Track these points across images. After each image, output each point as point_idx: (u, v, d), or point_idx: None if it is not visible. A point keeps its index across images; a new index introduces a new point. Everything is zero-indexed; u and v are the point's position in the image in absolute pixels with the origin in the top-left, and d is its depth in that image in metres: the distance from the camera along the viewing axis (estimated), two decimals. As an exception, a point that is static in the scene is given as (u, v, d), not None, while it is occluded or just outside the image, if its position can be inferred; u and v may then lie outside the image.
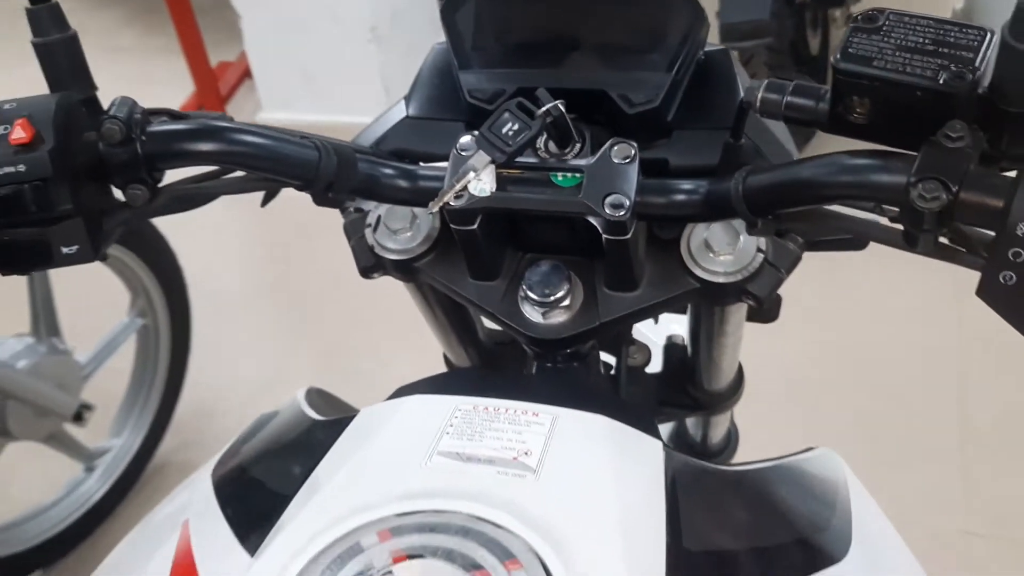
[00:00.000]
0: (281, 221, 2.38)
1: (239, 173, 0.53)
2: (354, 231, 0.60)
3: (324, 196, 0.53)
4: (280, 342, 2.05)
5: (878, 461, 1.62)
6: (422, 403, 0.49)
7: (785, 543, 0.45)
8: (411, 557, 0.37)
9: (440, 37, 0.61)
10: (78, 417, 1.49)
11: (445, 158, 0.51)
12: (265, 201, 0.59)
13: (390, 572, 0.37)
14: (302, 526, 0.40)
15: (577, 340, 0.55)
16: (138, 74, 2.94)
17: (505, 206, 0.50)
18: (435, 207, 0.50)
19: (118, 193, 0.51)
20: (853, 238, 0.61)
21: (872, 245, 0.51)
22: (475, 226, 0.52)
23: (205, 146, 0.49)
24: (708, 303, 0.60)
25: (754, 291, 0.53)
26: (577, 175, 0.50)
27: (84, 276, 1.53)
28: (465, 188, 0.50)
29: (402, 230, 0.57)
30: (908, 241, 0.42)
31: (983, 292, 0.39)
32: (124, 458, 1.67)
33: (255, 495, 0.48)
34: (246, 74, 2.82)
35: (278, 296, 2.17)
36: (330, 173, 0.52)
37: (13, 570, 1.53)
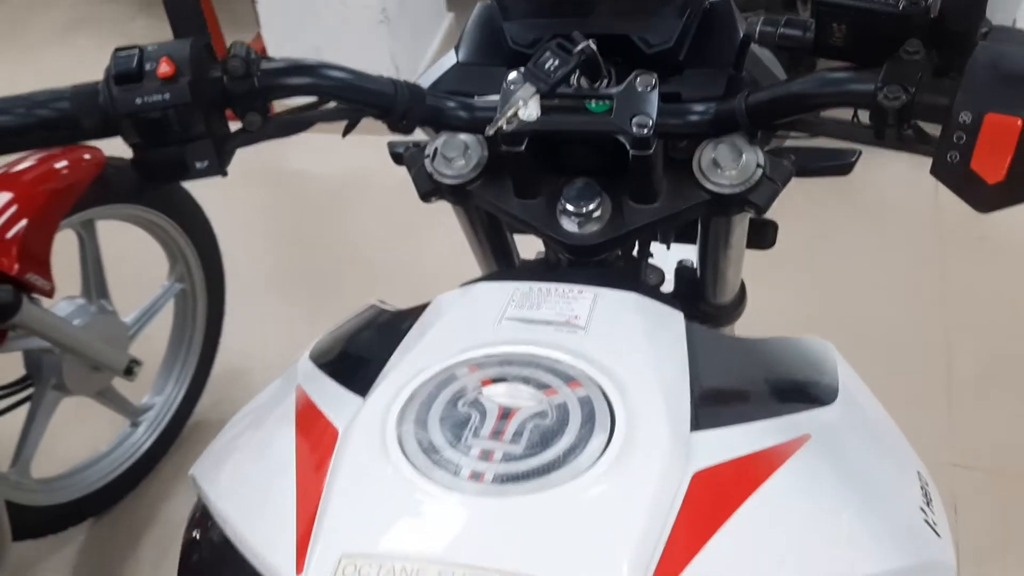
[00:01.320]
0: (303, 200, 2.50)
1: (331, 105, 0.64)
2: (413, 162, 0.71)
3: (398, 124, 0.64)
4: (302, 310, 2.15)
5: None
6: (487, 287, 0.60)
7: (781, 388, 0.56)
8: (495, 381, 0.49)
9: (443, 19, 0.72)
10: (128, 371, 1.60)
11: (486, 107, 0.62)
12: (346, 131, 0.70)
13: (479, 392, 0.48)
14: (404, 369, 0.51)
15: (607, 247, 0.66)
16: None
17: (549, 128, 0.61)
18: (491, 131, 0.61)
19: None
20: (838, 164, 0.72)
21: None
22: (523, 147, 0.62)
23: (308, 79, 0.60)
24: (716, 214, 0.71)
25: (755, 200, 0.64)
26: (608, 101, 0.61)
27: (128, 244, 1.64)
28: (515, 114, 0.60)
29: (456, 158, 0.68)
30: (877, 136, 0.53)
31: (935, 170, 0.50)
32: (166, 414, 1.79)
33: (353, 363, 0.59)
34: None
35: (299, 269, 2.27)
36: (403, 105, 0.63)
37: (71, 515, 1.65)
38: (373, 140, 2.82)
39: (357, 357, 0.60)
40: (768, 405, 0.53)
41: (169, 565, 1.66)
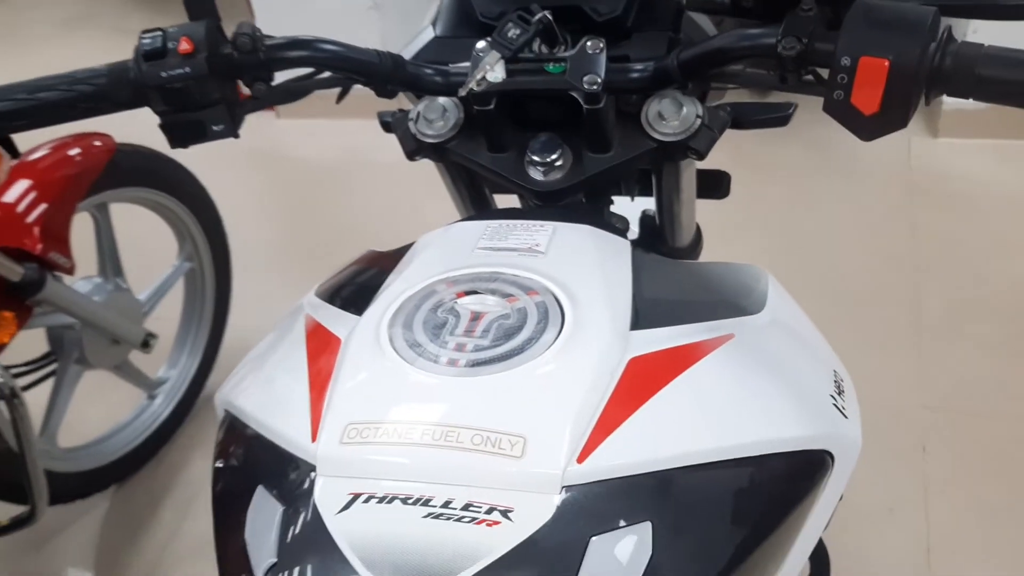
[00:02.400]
0: (300, 182, 2.60)
1: (325, 75, 0.74)
2: (399, 125, 0.80)
3: (383, 90, 0.74)
4: (303, 285, 2.25)
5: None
6: (464, 225, 0.70)
7: (713, 300, 0.67)
8: (468, 294, 0.59)
9: (431, 4, 0.82)
10: (145, 344, 1.70)
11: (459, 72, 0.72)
12: (340, 98, 0.80)
13: (455, 302, 0.58)
14: (393, 290, 0.62)
15: (569, 192, 0.76)
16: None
17: (513, 88, 0.71)
18: (464, 91, 0.70)
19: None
20: (775, 116, 0.82)
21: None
22: (491, 106, 0.72)
23: (305, 52, 0.70)
24: (663, 160, 0.81)
25: (695, 146, 0.74)
26: (563, 64, 0.71)
27: (139, 227, 1.74)
28: (484, 77, 0.70)
29: (436, 120, 0.78)
30: (781, 80, 0.63)
31: (826, 107, 0.60)
32: (181, 386, 1.90)
33: (351, 292, 0.69)
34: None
35: (299, 246, 2.37)
36: (387, 73, 0.72)
37: (97, 482, 1.76)
38: (361, 124, 2.96)
39: (355, 288, 0.70)
40: (699, 312, 0.63)
41: (189, 526, 1.77)
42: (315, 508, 0.49)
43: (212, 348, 1.95)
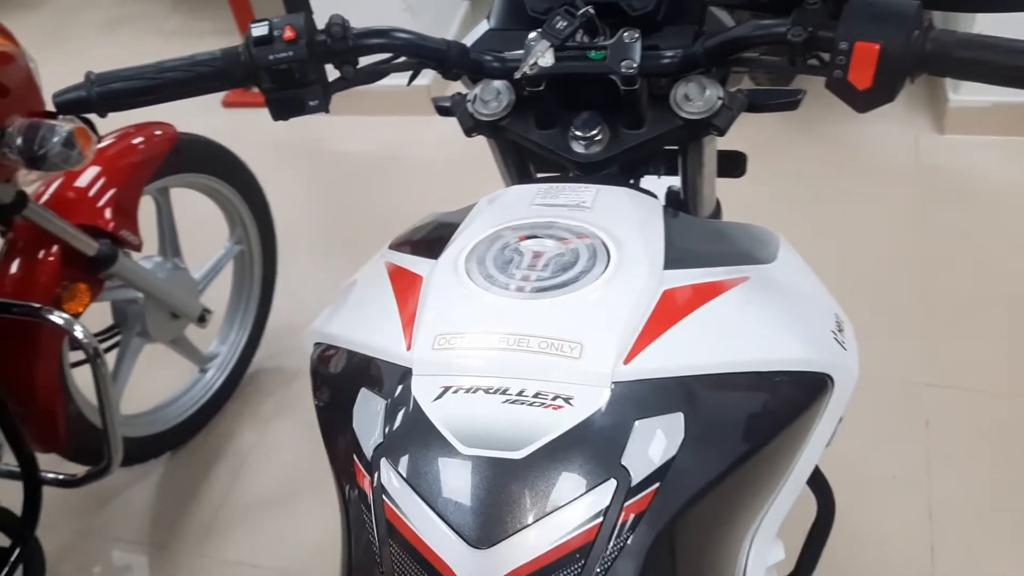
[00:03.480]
0: (340, 175, 2.72)
1: (400, 59, 0.86)
2: (458, 106, 0.93)
3: (449, 73, 0.86)
4: (342, 270, 2.37)
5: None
6: (519, 187, 0.83)
7: (731, 251, 0.78)
8: (528, 238, 0.71)
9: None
10: (201, 318, 1.84)
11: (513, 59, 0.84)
12: (410, 80, 0.92)
13: (518, 244, 0.71)
14: (465, 236, 0.74)
15: (608, 163, 0.88)
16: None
17: (560, 71, 0.83)
18: (518, 75, 0.83)
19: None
20: (786, 101, 0.94)
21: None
22: (542, 87, 0.85)
23: (386, 40, 0.82)
24: (689, 136, 0.93)
25: (717, 123, 0.85)
26: (603, 51, 0.83)
27: (196, 211, 1.87)
28: (536, 63, 0.83)
29: (491, 101, 0.90)
30: (790, 63, 0.75)
31: (827, 85, 0.72)
32: (230, 361, 2.03)
33: (424, 243, 0.81)
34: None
35: (338, 234, 2.49)
36: (453, 58, 0.85)
37: (154, 447, 1.89)
38: (398, 120, 3.13)
39: (427, 240, 0.82)
40: (720, 258, 0.75)
41: (240, 490, 1.90)
42: (414, 399, 0.62)
43: (259, 326, 2.08)
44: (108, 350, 1.79)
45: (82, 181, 1.57)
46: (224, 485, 1.91)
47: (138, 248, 1.63)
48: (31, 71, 1.34)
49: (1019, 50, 0.66)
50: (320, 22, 0.82)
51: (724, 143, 1.08)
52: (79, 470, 1.62)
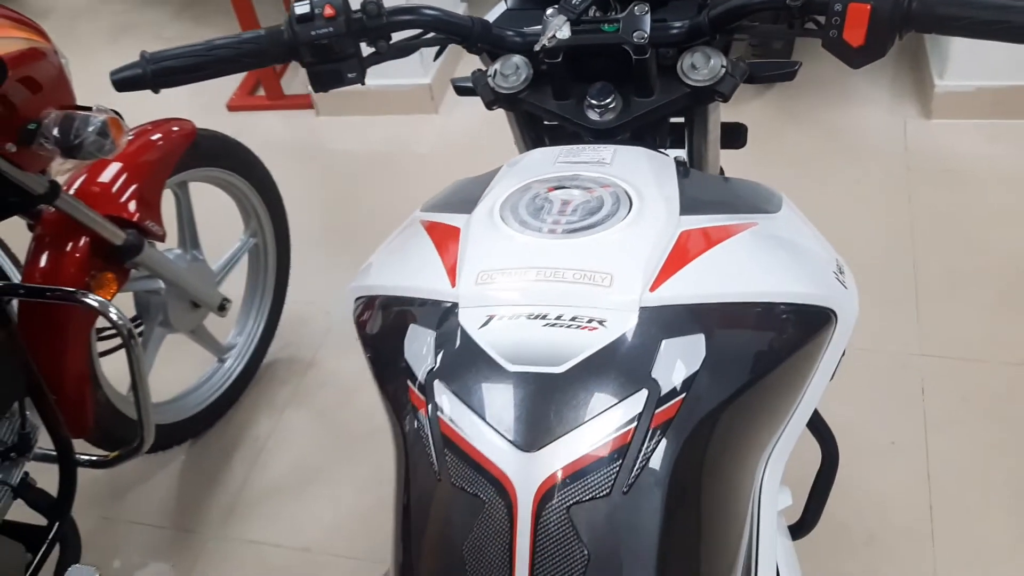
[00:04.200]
0: (346, 172, 2.79)
1: (429, 35, 0.93)
2: (479, 81, 0.99)
3: (474, 47, 0.93)
4: (351, 264, 2.44)
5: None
6: (541, 150, 0.89)
7: (740, 202, 0.85)
8: (556, 188, 0.78)
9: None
10: (221, 307, 1.90)
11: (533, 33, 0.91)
12: (437, 55, 0.99)
13: (548, 195, 0.77)
14: (497, 191, 0.80)
15: (621, 129, 0.95)
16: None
17: (577, 43, 0.90)
18: (538, 47, 0.89)
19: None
20: (783, 72, 1.01)
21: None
22: (559, 59, 0.91)
23: (416, 17, 0.89)
24: (695, 102, 0.99)
25: (721, 90, 0.92)
26: (616, 24, 0.90)
27: (210, 208, 1.93)
28: (554, 36, 0.89)
29: (511, 75, 0.97)
30: (789, 27, 0.82)
31: (824, 44, 0.79)
32: (247, 351, 2.09)
33: (455, 202, 0.87)
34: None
35: (346, 230, 2.55)
36: (478, 34, 0.92)
37: (176, 435, 1.95)
38: (392, 119, 3.20)
39: (458, 199, 0.88)
40: (730, 207, 0.82)
41: (258, 476, 1.96)
42: (461, 328, 0.68)
43: (274, 317, 2.14)
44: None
45: (106, 175, 1.63)
46: (243, 471, 1.97)
47: (162, 238, 1.69)
48: (63, 67, 1.41)
49: (994, 5, 0.73)
50: (354, 3, 0.89)
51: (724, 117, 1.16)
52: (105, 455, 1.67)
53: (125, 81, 0.90)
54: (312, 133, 2.95)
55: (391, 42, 0.91)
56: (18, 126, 1.32)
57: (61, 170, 1.40)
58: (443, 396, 0.66)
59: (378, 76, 2.85)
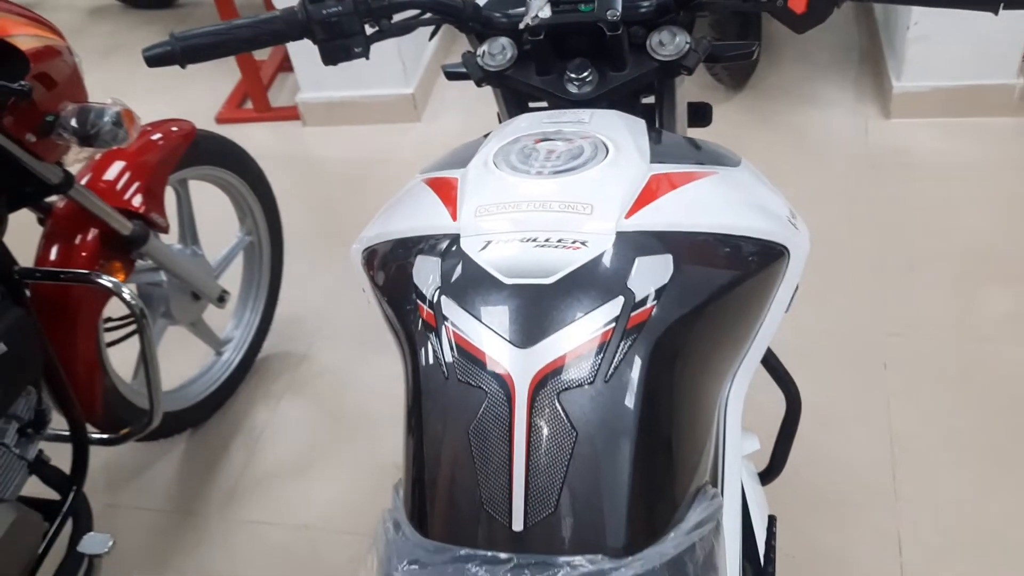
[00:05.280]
0: (333, 179, 2.89)
1: (426, 16, 1.04)
2: (469, 61, 1.10)
3: (465, 26, 1.04)
4: (339, 265, 2.53)
5: (811, 289, 2.15)
6: (527, 115, 1.00)
7: (704, 156, 0.96)
8: (543, 140, 0.89)
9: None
10: (220, 299, 1.99)
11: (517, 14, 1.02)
12: (432, 35, 1.10)
13: (535, 145, 0.88)
14: (490, 146, 0.91)
15: (598, 100, 1.06)
16: (184, 75, 3.44)
17: (557, 22, 1.01)
18: (522, 25, 1.01)
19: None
20: (742, 52, 1.13)
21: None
22: (541, 37, 1.03)
23: None
24: (663, 76, 1.10)
25: (686, 64, 1.04)
26: (591, 4, 1.01)
27: (207, 207, 2.03)
28: (537, 15, 1.01)
29: (497, 55, 1.08)
30: (743, 1, 0.94)
31: (772, 13, 0.91)
32: (243, 345, 2.18)
33: (453, 161, 0.98)
34: (279, 68, 3.34)
35: (335, 232, 2.65)
36: (468, 14, 1.03)
37: (177, 423, 2.03)
38: (374, 129, 3.34)
39: (453, 159, 0.99)
40: (694, 159, 0.93)
41: (257, 462, 2.04)
42: (463, 252, 0.79)
43: (269, 311, 2.24)
44: (133, 333, 1.94)
45: (113, 171, 1.73)
46: (242, 457, 2.06)
47: (166, 230, 1.79)
48: (76, 65, 1.51)
49: None
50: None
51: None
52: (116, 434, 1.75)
53: (156, 57, 1.00)
54: (300, 143, 3.06)
55: (392, 21, 1.02)
56: (37, 118, 1.42)
57: (78, 158, 1.50)
58: (451, 309, 0.77)
59: (363, 86, 2.98)
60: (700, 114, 1.30)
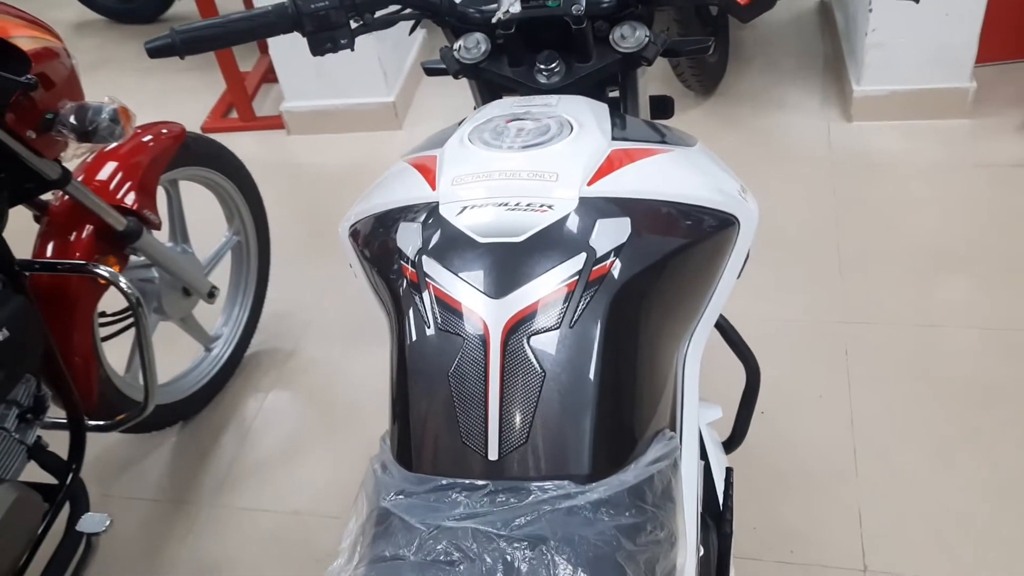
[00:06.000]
0: (316, 185, 2.98)
1: (406, 11, 1.13)
2: (446, 55, 1.20)
3: (443, 20, 1.13)
4: (322, 266, 2.61)
5: (777, 283, 2.25)
6: (499, 101, 1.10)
7: (662, 136, 1.06)
8: (513, 120, 0.98)
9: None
10: (211, 295, 2.07)
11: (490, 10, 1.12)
12: (412, 29, 1.19)
13: (506, 124, 0.97)
14: (466, 125, 1.00)
15: (565, 90, 1.16)
16: (170, 87, 3.54)
17: (526, 16, 1.10)
18: (495, 19, 1.10)
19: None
20: (699, 47, 1.23)
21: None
22: (512, 30, 1.12)
23: None
24: (625, 67, 1.20)
25: (646, 55, 1.14)
26: (559, 1, 1.11)
27: (198, 205, 2.11)
28: (508, 10, 1.10)
29: (472, 49, 1.17)
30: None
31: (720, 7, 1.00)
32: (232, 341, 2.25)
33: (431, 143, 1.07)
34: (263, 79, 3.42)
35: (318, 235, 2.74)
36: (446, 10, 1.12)
37: (168, 416, 2.10)
38: (355, 136, 3.44)
39: (431, 142, 1.08)
40: (653, 137, 1.03)
41: (247, 453, 2.11)
42: (442, 217, 0.88)
43: (256, 308, 2.31)
44: (126, 329, 2.01)
45: (108, 169, 1.81)
46: (232, 447, 2.13)
47: (158, 227, 1.86)
48: (73, 66, 1.59)
49: None
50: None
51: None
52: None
53: (158, 49, 1.09)
54: (284, 151, 3.14)
55: (375, 16, 1.11)
56: (38, 116, 1.49)
57: (76, 154, 1.57)
58: (432, 267, 0.86)
59: (345, 95, 3.08)
60: (662, 106, 1.40)
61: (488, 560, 0.73)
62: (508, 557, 0.73)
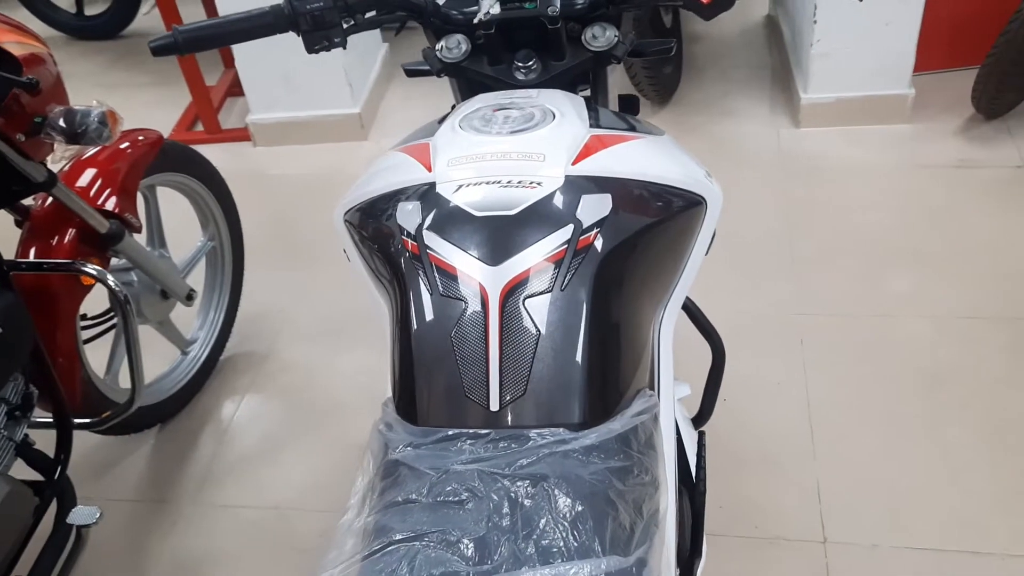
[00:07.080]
0: (286, 194, 3.03)
1: (393, 15, 1.21)
2: (428, 55, 1.28)
3: (428, 21, 1.22)
4: (294, 271, 2.67)
5: (734, 280, 2.36)
6: (484, 95, 1.18)
7: (633, 126, 1.15)
8: (499, 109, 1.07)
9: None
10: (189, 297, 2.11)
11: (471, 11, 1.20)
12: (398, 31, 1.27)
13: (493, 113, 1.06)
14: (455, 114, 1.08)
15: (542, 86, 1.25)
16: (134, 102, 3.57)
17: (505, 17, 1.19)
18: (476, 20, 1.18)
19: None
20: (662, 48, 1.32)
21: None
22: (492, 30, 1.21)
23: None
24: (596, 65, 1.29)
25: (616, 54, 1.23)
26: (534, 2, 1.20)
27: (172, 211, 2.15)
28: (488, 11, 1.19)
29: (454, 49, 1.25)
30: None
31: (683, 6, 1.10)
32: (207, 345, 2.30)
33: (422, 133, 1.15)
34: (228, 92, 3.47)
35: (289, 242, 2.79)
36: (430, 12, 1.20)
37: (147, 418, 2.13)
38: (320, 147, 3.51)
39: (421, 133, 1.15)
40: (625, 127, 1.12)
41: (225, 453, 2.15)
42: (439, 195, 0.95)
43: (231, 311, 2.36)
44: (106, 331, 2.05)
45: (87, 176, 1.85)
46: (211, 447, 2.17)
47: (139, 230, 1.91)
48: (59, 72, 1.64)
49: None
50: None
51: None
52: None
53: (161, 48, 1.15)
54: (251, 161, 3.19)
55: (366, 16, 1.19)
56: (27, 120, 1.54)
57: (64, 156, 1.62)
58: (432, 239, 0.93)
59: (311, 107, 3.15)
60: (629, 105, 1.50)
61: (495, 497, 0.81)
62: (512, 494, 0.81)
